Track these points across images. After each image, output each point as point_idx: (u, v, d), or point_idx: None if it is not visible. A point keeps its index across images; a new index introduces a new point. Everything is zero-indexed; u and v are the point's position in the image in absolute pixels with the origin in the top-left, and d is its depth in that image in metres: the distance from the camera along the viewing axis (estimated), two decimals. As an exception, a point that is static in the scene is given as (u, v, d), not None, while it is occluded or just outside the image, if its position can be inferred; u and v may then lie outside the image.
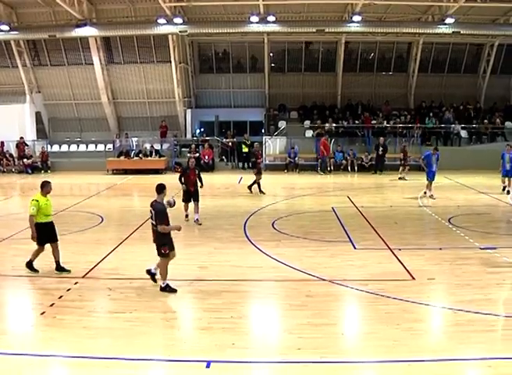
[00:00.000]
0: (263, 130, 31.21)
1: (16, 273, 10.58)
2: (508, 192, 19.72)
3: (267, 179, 20.43)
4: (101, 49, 29.62)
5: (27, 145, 29.68)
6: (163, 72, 30.37)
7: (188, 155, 28.01)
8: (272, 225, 15.07)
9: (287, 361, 6.97)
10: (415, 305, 8.76)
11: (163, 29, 26.17)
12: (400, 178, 24.44)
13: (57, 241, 10.65)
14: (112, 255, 12.03)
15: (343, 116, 30.66)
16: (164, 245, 9.43)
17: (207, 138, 30.15)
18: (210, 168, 27.74)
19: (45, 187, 10.60)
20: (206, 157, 28.15)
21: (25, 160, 28.79)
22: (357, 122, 30.00)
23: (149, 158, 28.50)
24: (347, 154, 28.02)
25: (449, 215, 16.05)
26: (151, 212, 9.54)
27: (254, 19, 25.31)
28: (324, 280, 10.07)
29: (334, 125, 29.66)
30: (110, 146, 30.76)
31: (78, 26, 25.74)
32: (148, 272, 9.82)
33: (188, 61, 32.04)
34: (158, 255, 9.50)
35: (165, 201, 9.75)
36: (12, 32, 26.53)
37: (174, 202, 10.19)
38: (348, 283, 9.84)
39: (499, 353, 6.04)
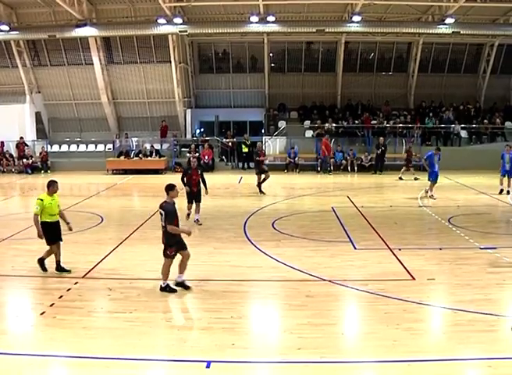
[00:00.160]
0: (263, 130, 31.23)
1: (16, 273, 10.59)
2: (508, 192, 19.70)
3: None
4: (101, 49, 29.62)
5: (27, 145, 29.69)
6: (163, 72, 30.37)
7: (188, 155, 28.04)
8: (272, 225, 15.07)
9: (287, 361, 6.97)
10: (415, 305, 8.76)
11: (163, 29, 26.19)
12: (400, 178, 24.38)
13: (60, 241, 10.62)
14: (112, 255, 12.03)
15: (342, 116, 30.65)
16: (171, 246, 9.40)
17: (207, 138, 30.15)
18: (210, 168, 27.72)
19: (51, 187, 10.53)
20: (206, 157, 28.15)
21: (25, 160, 28.80)
22: (356, 122, 29.99)
23: (149, 158, 28.50)
24: (347, 154, 28.02)
25: (449, 215, 16.05)
26: (160, 213, 9.46)
27: (254, 19, 25.33)
28: (324, 280, 10.07)
29: (334, 125, 29.65)
30: (110, 146, 30.79)
31: (78, 26, 25.76)
32: (179, 284, 9.57)
33: (188, 61, 32.04)
34: (164, 255, 9.49)
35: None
36: (12, 32, 26.55)
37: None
38: (348, 284, 9.84)
39: (499, 353, 6.04)
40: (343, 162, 27.91)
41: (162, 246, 9.60)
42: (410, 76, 32.18)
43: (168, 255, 9.43)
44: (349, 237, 13.53)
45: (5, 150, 30.01)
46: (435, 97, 31.85)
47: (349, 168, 27.74)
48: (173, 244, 9.41)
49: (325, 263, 11.22)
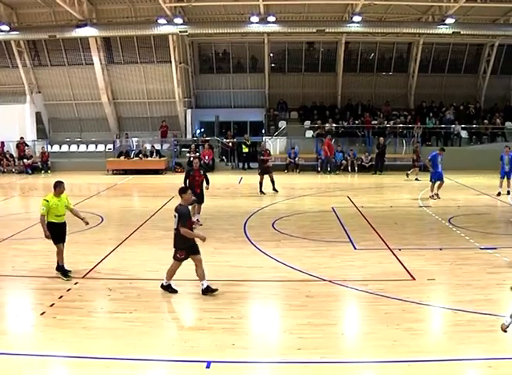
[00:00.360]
0: (263, 131, 31.22)
1: (16, 274, 10.59)
2: (508, 192, 19.67)
3: (267, 179, 20.42)
4: (101, 49, 29.64)
5: (27, 145, 29.69)
6: (163, 72, 30.38)
7: (187, 155, 28.06)
8: (272, 225, 15.06)
9: (287, 361, 6.97)
10: (415, 306, 8.76)
11: (163, 29, 26.21)
12: (409, 176, 24.31)
13: (64, 242, 10.54)
14: (112, 255, 12.03)
15: (343, 117, 30.66)
16: (181, 250, 9.27)
17: (207, 138, 30.16)
18: (210, 168, 27.71)
19: (58, 188, 10.41)
20: (206, 157, 28.14)
21: (25, 160, 28.81)
22: (357, 122, 29.99)
23: (149, 158, 28.50)
24: (347, 154, 28.03)
25: (449, 215, 16.04)
26: (174, 216, 9.36)
27: (255, 19, 25.35)
28: (324, 280, 10.07)
29: (334, 125, 29.66)
30: (110, 146, 30.81)
31: (78, 26, 25.77)
32: (204, 292, 9.32)
33: (188, 61, 32.04)
34: (173, 257, 9.38)
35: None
36: (12, 32, 26.59)
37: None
38: (348, 284, 9.84)
39: (499, 353, 6.04)
40: (344, 162, 27.92)
41: (173, 249, 9.49)
42: (410, 77, 32.18)
43: (178, 258, 9.32)
44: (349, 237, 13.53)
45: (5, 150, 30.02)
46: (436, 97, 31.86)
47: (349, 168, 27.74)
48: (183, 248, 9.27)
49: (326, 263, 11.22)
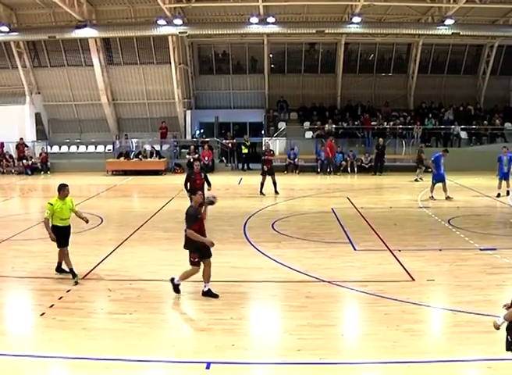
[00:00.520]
0: (263, 132, 31.23)
1: (16, 275, 10.59)
2: (508, 193, 19.66)
3: (266, 180, 20.43)
4: (100, 50, 29.65)
5: (27, 146, 29.71)
6: (163, 73, 30.38)
7: (187, 156, 28.07)
8: (272, 226, 15.07)
9: (287, 362, 6.97)
10: (415, 307, 8.76)
11: (163, 30, 26.21)
12: (419, 179, 24.20)
13: (67, 245, 10.42)
14: (111, 256, 12.03)
15: (342, 117, 30.67)
16: (193, 252, 9.11)
17: (206, 139, 30.16)
18: (210, 169, 27.72)
19: (62, 191, 10.28)
20: (206, 158, 28.16)
21: (25, 161, 28.82)
22: (356, 123, 30.00)
23: (149, 159, 28.50)
24: (347, 155, 28.05)
25: (448, 216, 16.05)
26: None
27: (254, 20, 25.36)
28: (324, 281, 10.07)
29: (334, 126, 29.66)
30: (110, 147, 30.81)
31: (78, 27, 25.77)
32: (205, 294, 9.28)
33: (188, 62, 32.06)
34: (190, 263, 9.22)
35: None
36: (11, 33, 26.59)
37: (211, 201, 9.61)
38: (348, 285, 9.84)
39: (498, 354, 6.04)
40: (343, 163, 27.93)
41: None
42: (409, 77, 32.21)
43: (192, 262, 9.12)
44: (349, 238, 13.53)
45: (4, 151, 30.04)
46: (435, 98, 31.90)
47: (349, 169, 27.76)
48: (194, 250, 9.11)
49: (325, 264, 11.22)
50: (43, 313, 8.53)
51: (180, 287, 9.40)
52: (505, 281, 9.88)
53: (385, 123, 29.85)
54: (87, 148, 31.37)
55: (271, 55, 32.36)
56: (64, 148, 31.27)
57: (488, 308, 8.45)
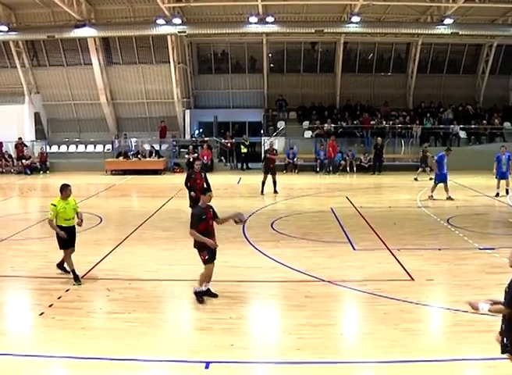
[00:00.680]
0: (262, 131, 31.23)
1: (15, 274, 10.58)
2: (507, 191, 19.64)
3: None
4: (99, 50, 29.61)
5: (26, 146, 29.69)
6: (162, 72, 30.35)
7: (186, 156, 28.06)
8: (271, 225, 15.07)
9: (286, 361, 6.97)
10: (414, 306, 8.76)
11: (162, 29, 26.19)
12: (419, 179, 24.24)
13: (73, 246, 10.24)
14: (110, 255, 12.02)
15: (341, 117, 30.67)
16: (202, 251, 8.95)
17: (206, 139, 30.16)
18: (209, 169, 27.71)
19: (64, 191, 10.13)
20: (205, 158, 28.15)
21: (24, 161, 28.79)
22: (355, 122, 30.00)
23: (148, 158, 28.50)
24: (346, 154, 28.05)
25: (447, 215, 16.06)
26: None
27: (253, 19, 25.34)
28: (323, 280, 10.07)
29: (333, 125, 29.66)
30: (109, 147, 30.81)
31: (77, 26, 25.75)
32: (203, 293, 9.23)
33: (187, 61, 32.05)
34: (203, 263, 9.06)
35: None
36: (10, 33, 26.57)
37: (240, 220, 9.37)
38: (347, 284, 9.84)
39: (497, 353, 6.03)
40: (342, 162, 27.94)
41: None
42: (409, 77, 32.22)
43: (204, 261, 8.98)
44: (348, 237, 13.53)
45: (3, 150, 29.98)
46: (434, 97, 31.91)
47: (348, 168, 27.75)
48: (203, 249, 8.93)
49: (324, 264, 11.22)
50: (42, 313, 8.53)
51: (176, 288, 9.37)
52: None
53: (384, 123, 29.84)
54: (86, 148, 31.37)
55: (270, 55, 32.36)
56: (63, 148, 31.26)
57: (488, 308, 8.45)
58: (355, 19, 25.04)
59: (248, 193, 21.41)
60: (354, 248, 12.50)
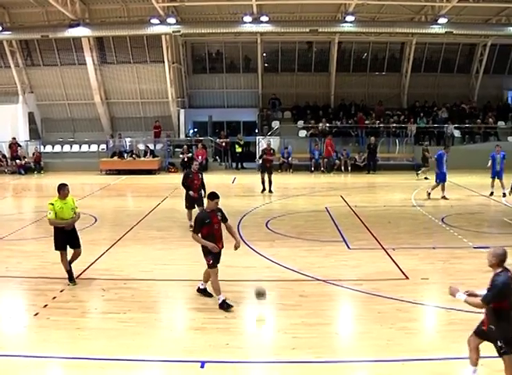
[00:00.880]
0: (256, 130, 31.23)
1: (9, 274, 10.55)
2: (504, 195, 19.55)
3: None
4: (94, 49, 29.51)
5: (20, 146, 29.55)
6: (156, 72, 30.28)
7: (181, 155, 28.02)
8: (266, 225, 15.08)
9: (282, 361, 6.98)
10: (409, 305, 8.79)
11: (156, 29, 26.13)
12: (427, 177, 24.16)
13: (78, 247, 10.10)
14: (105, 255, 12.00)
15: (336, 116, 30.68)
16: (206, 255, 8.85)
17: (200, 138, 30.12)
18: (203, 168, 27.66)
19: (62, 190, 9.92)
20: (200, 157, 28.09)
21: (18, 161, 28.67)
22: (350, 122, 30.03)
23: (142, 158, 28.45)
24: (340, 154, 28.07)
25: (442, 214, 16.11)
26: None
27: (248, 19, 25.32)
28: (318, 279, 10.08)
29: (327, 125, 29.67)
30: (103, 146, 30.71)
31: (71, 26, 25.65)
32: (198, 290, 9.35)
33: (181, 61, 31.99)
34: (208, 267, 8.98)
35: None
36: (4, 32, 26.41)
37: (261, 293, 8.89)
38: (342, 283, 9.86)
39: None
40: (337, 161, 27.96)
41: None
42: (403, 76, 32.26)
43: (209, 265, 8.87)
44: (343, 236, 13.55)
45: (-3, 150, 29.89)
46: (429, 97, 31.96)
47: (342, 168, 27.78)
48: (207, 253, 8.83)
49: (319, 263, 11.23)
50: (37, 313, 8.50)
51: (171, 288, 9.37)
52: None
53: (378, 122, 29.86)
54: (80, 148, 31.24)
55: (264, 54, 32.32)
56: (57, 148, 31.14)
57: (482, 306, 8.47)
58: (349, 18, 25.05)
59: (243, 192, 21.41)
60: (349, 248, 12.52)
